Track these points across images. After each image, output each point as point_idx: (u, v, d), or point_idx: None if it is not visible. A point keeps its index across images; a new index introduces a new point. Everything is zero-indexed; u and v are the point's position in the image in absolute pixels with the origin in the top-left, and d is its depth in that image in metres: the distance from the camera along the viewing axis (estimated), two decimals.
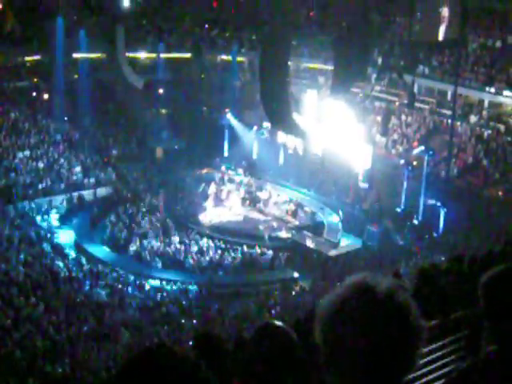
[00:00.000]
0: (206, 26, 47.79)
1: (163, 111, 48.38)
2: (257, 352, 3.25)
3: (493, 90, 37.51)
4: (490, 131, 37.13)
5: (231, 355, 4.12)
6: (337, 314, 2.34)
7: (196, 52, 46.39)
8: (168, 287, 30.19)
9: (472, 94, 38.54)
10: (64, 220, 37.06)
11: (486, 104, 38.21)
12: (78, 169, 40.49)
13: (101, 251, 34.19)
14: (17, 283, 26.89)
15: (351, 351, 2.29)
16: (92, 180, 40.24)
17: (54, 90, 44.94)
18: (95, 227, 36.81)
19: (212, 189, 39.90)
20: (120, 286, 29.26)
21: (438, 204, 34.12)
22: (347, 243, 35.01)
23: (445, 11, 38.41)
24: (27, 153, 40.01)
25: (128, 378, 2.20)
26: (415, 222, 35.32)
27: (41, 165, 39.67)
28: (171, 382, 2.18)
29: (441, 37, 40.97)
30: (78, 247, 33.90)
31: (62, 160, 40.71)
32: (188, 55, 47.57)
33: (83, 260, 31.77)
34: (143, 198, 39.47)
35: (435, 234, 34.32)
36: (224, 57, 48.96)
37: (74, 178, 39.90)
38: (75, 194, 38.60)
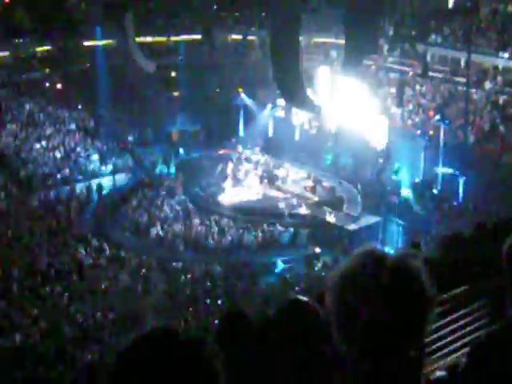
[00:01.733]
0: (216, 6, 47.74)
1: (176, 94, 48.37)
2: (284, 329, 3.27)
3: (506, 55, 37.14)
4: (505, 97, 36.81)
5: (257, 333, 4.15)
6: (347, 281, 2.37)
7: (206, 33, 46.28)
8: (192, 269, 30.31)
9: (485, 60, 38.17)
10: (84, 208, 37.23)
11: (500, 70, 37.85)
12: (95, 156, 40.63)
13: (122, 237, 34.39)
14: (41, 272, 27.13)
15: (361, 320, 2.32)
16: (110, 167, 40.39)
17: (67, 80, 45.05)
18: (115, 213, 36.96)
19: (229, 169, 39.93)
20: (144, 271, 29.40)
21: (457, 173, 33.99)
22: (367, 217, 34.94)
23: None
24: (44, 143, 40.17)
25: (123, 366, 2.22)
26: (434, 191, 35.23)
27: (58, 154, 39.84)
28: (168, 365, 2.19)
29: (451, 4, 40.72)
30: (100, 234, 34.04)
31: (78, 149, 40.87)
32: (198, 37, 47.45)
33: (106, 246, 31.92)
34: (162, 182, 39.58)
35: (455, 203, 34.21)
36: (235, 36, 48.78)
37: (92, 166, 40.05)
38: (94, 182, 38.76)
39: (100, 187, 38.65)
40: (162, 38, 47.05)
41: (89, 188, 38.32)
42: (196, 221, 34.87)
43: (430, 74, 39.22)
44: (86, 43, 45.70)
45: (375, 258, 2.38)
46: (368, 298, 2.31)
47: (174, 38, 46.89)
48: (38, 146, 39.81)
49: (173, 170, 42.16)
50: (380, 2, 38.17)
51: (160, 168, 42.40)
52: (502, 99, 36.80)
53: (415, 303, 2.33)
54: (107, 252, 31.20)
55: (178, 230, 34.03)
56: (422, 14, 40.41)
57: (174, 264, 30.80)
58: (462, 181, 33.86)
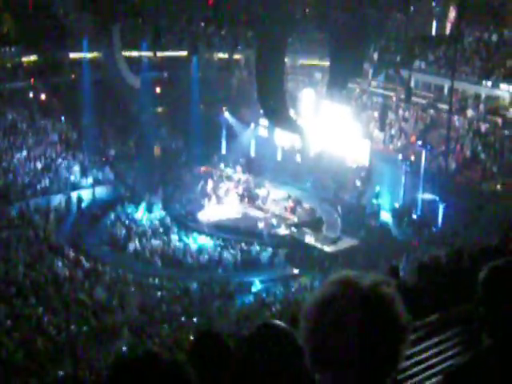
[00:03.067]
0: (203, 23, 47.81)
1: (160, 110, 48.34)
2: (255, 352, 3.25)
3: (489, 83, 37.46)
4: (487, 125, 37.08)
5: (232, 355, 4.13)
6: (321, 309, 2.35)
7: (192, 50, 46.34)
8: (168, 285, 30.19)
9: (469, 87, 38.49)
10: (63, 220, 37.02)
11: (482, 98, 38.14)
12: (76, 168, 40.45)
13: (100, 250, 34.22)
14: (16, 283, 26.91)
15: (335, 346, 2.30)
16: (90, 179, 40.22)
17: (51, 90, 44.94)
18: (94, 226, 36.81)
19: (210, 187, 39.92)
20: (120, 285, 29.25)
21: (437, 199, 34.11)
22: (346, 239, 34.94)
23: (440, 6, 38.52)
24: (25, 153, 39.97)
25: None
26: (414, 216, 35.33)
27: (39, 165, 39.63)
28: None
29: (436, 31, 41.09)
30: (77, 247, 33.83)
31: (59, 160, 40.67)
32: (185, 53, 47.50)
33: (83, 259, 31.73)
34: (142, 197, 39.46)
35: (434, 229, 34.31)
36: (221, 55, 48.87)
37: (72, 177, 39.85)
38: (74, 194, 38.56)
39: (79, 199, 38.45)
40: (148, 53, 47.01)
41: (68, 200, 38.11)
42: (174, 237, 34.79)
43: (414, 99, 39.43)
44: (73, 55, 45.61)
45: (349, 285, 2.36)
46: (342, 327, 2.29)
47: (159, 54, 46.87)
48: (18, 155, 39.58)
49: (153, 185, 42.02)
50: (365, 27, 38.45)
51: (140, 183, 42.23)
52: (483, 127, 37.08)
53: (388, 332, 2.31)
54: (84, 265, 31.02)
55: (156, 245, 33.92)
56: (406, 39, 40.67)
57: (151, 280, 30.69)
58: (441, 207, 33.96)
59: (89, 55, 45.45)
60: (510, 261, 3.18)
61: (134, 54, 47.38)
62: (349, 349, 2.29)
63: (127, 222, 36.35)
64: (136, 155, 45.09)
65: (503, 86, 36.99)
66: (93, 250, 33.87)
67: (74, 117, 44.70)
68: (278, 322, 3.36)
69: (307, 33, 41.98)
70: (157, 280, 30.77)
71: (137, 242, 34.11)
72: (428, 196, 34.85)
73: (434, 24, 39.49)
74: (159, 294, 28.93)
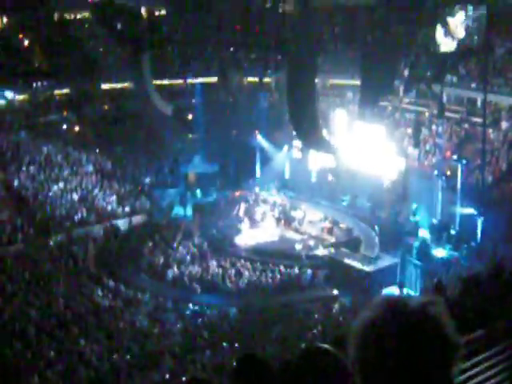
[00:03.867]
0: (232, 48, 48.18)
1: (193, 136, 48.62)
2: (304, 376, 3.20)
3: None
4: None
5: (276, 378, 4.07)
6: (370, 332, 2.30)
7: (222, 75, 46.64)
8: (208, 311, 30.14)
9: (501, 99, 38.21)
10: (101, 249, 37.21)
11: None
12: (112, 198, 40.70)
13: (139, 279, 34.32)
14: (57, 315, 27.06)
15: (387, 369, 2.25)
16: (127, 209, 40.42)
17: (85, 122, 45.47)
18: (132, 255, 36.94)
19: (246, 210, 39.95)
20: (160, 313, 29.28)
21: (475, 213, 33.80)
22: (385, 258, 34.67)
23: (468, 19, 38.36)
24: (61, 185, 40.32)
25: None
26: (452, 232, 35.00)
27: (75, 196, 39.94)
28: None
29: (465, 45, 40.86)
30: (116, 275, 33.95)
31: (96, 190, 40.97)
32: (215, 79, 47.83)
33: (122, 288, 31.84)
34: (179, 224, 39.56)
35: (473, 244, 33.94)
36: (251, 78, 49.10)
37: (109, 207, 40.09)
38: (111, 224, 38.76)
39: (117, 229, 38.65)
40: (179, 81, 47.39)
41: (106, 230, 38.31)
42: (213, 263, 34.78)
43: (447, 114, 39.24)
44: (104, 86, 46.16)
45: (396, 307, 2.31)
46: (391, 349, 2.24)
47: (190, 81, 47.23)
48: (55, 187, 39.94)
49: (189, 211, 42.17)
50: (395, 44, 38.43)
51: (177, 210, 42.42)
52: None
53: (440, 354, 2.26)
54: (123, 294, 31.13)
55: (195, 271, 33.93)
56: (437, 54, 40.53)
57: (191, 306, 30.68)
58: (480, 221, 33.64)
59: (120, 85, 45.95)
60: None
61: (165, 81, 47.79)
62: (400, 374, 2.24)
63: (165, 249, 36.41)
64: (171, 183, 45.32)
65: None
66: (132, 279, 33.97)
67: (107, 147, 45.12)
68: (324, 345, 3.31)
69: (337, 52, 42.03)
70: (197, 306, 30.72)
71: (175, 268, 34.15)
72: (466, 210, 34.54)
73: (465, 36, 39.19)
74: (199, 320, 28.88)
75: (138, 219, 40.24)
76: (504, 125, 37.58)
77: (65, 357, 23.67)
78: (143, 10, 49.55)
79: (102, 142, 45.29)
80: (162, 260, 35.19)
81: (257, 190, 43.17)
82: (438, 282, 13.09)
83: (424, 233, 36.08)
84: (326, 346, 3.26)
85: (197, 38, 46.60)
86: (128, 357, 24.32)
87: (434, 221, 36.10)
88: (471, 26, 38.94)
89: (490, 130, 37.47)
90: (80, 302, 28.95)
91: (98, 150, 44.98)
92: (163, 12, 50.97)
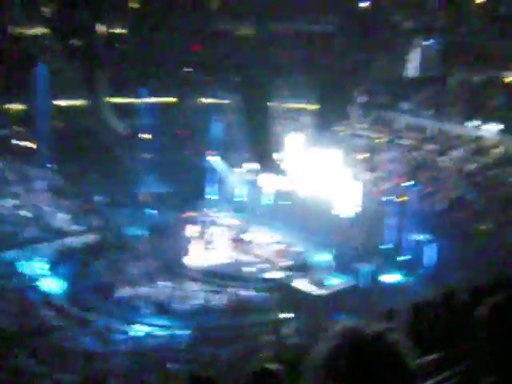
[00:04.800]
0: (189, 69, 48.14)
1: (147, 155, 48.31)
2: None
3: (474, 124, 37.70)
4: (474, 165, 37.22)
5: None
6: (328, 361, 2.26)
7: (179, 96, 46.53)
8: (157, 333, 29.87)
9: (454, 128, 38.69)
10: (50, 268, 36.69)
11: (468, 138, 38.33)
12: (63, 216, 40.21)
13: (89, 298, 33.88)
14: (4, 333, 26.59)
15: None
16: (78, 227, 39.93)
17: (38, 138, 44.92)
18: (82, 274, 36.48)
19: (199, 232, 39.73)
20: (108, 333, 28.92)
21: (427, 239, 34.07)
22: (337, 282, 34.72)
23: (424, 48, 38.91)
24: (12, 202, 39.74)
25: None
26: (404, 257, 35.19)
27: (27, 213, 39.38)
28: None
29: (420, 73, 41.42)
30: (65, 295, 33.49)
31: (46, 208, 40.44)
32: (171, 99, 47.68)
33: (70, 307, 31.40)
34: (130, 244, 39.21)
35: (424, 269, 34.16)
36: (207, 99, 49.07)
37: (60, 225, 39.59)
38: (61, 242, 38.25)
39: (67, 247, 38.15)
40: (135, 99, 47.17)
41: (56, 247, 37.80)
42: (163, 283, 34.50)
43: (400, 141, 39.59)
44: (59, 102, 45.73)
45: (354, 336, 2.27)
46: (351, 378, 2.20)
47: (146, 100, 47.03)
48: (6, 204, 39.36)
49: (142, 231, 41.82)
50: (351, 70, 38.79)
51: (129, 229, 42.03)
52: (471, 167, 37.21)
53: (399, 380, 2.22)
54: (72, 313, 30.72)
55: (145, 292, 33.61)
56: (392, 82, 40.98)
57: (140, 327, 30.38)
58: (431, 247, 33.91)
59: (74, 102, 45.55)
60: (510, 297, 3.08)
61: (121, 100, 47.53)
62: None
63: (115, 268, 36.04)
64: (124, 201, 44.94)
65: (488, 126, 37.24)
66: (80, 298, 33.52)
67: (61, 164, 44.62)
68: (271, 366, 3.26)
69: (294, 77, 42.24)
70: (146, 327, 30.42)
71: (125, 289, 33.80)
72: (417, 237, 34.80)
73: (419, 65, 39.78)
74: (148, 341, 28.62)
75: (89, 238, 39.78)
76: (456, 153, 38.02)
77: (8, 376, 23.23)
78: (100, 27, 49.30)
79: (54, 158, 44.76)
80: (111, 279, 34.82)
81: (210, 211, 42.97)
82: (389, 310, 13.06)
83: (376, 258, 36.24)
84: (273, 367, 3.20)
85: (153, 58, 46.50)
86: (72, 377, 23.95)
87: (387, 246, 36.27)
88: (426, 56, 39.48)
89: (442, 158, 37.88)
90: (27, 320, 28.48)
91: (50, 166, 44.45)
92: (121, 30, 50.77)
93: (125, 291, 33.65)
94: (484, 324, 3.01)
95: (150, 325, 30.84)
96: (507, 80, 38.91)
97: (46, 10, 46.86)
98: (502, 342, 2.93)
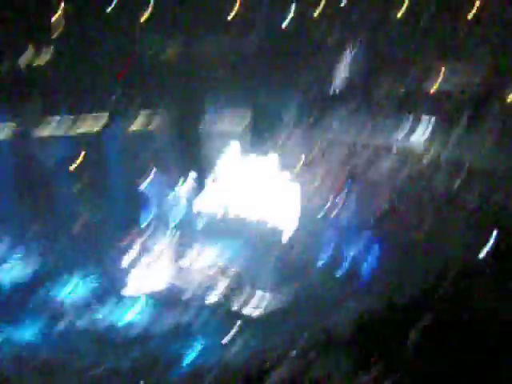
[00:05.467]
0: (116, 95, 47.65)
1: (78, 186, 47.60)
2: None
3: (401, 133, 38.12)
4: (403, 174, 37.55)
5: None
6: None
7: (106, 123, 46.02)
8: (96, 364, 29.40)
9: (382, 139, 39.01)
10: None
11: (396, 148, 38.67)
12: None
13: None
14: None
15: None
16: (9, 259, 39.28)
17: None
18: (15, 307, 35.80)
19: (137, 254, 39.42)
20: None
21: (363, 251, 34.29)
22: (274, 301, 34.71)
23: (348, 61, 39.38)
24: None
25: None
26: (341, 271, 35.31)
27: None
28: None
29: (346, 86, 41.79)
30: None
31: None
32: (98, 127, 47.08)
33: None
34: (64, 276, 38.62)
35: (362, 282, 34.33)
36: (136, 125, 48.64)
37: None
38: None
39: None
40: (61, 130, 46.44)
41: None
42: (103, 311, 34.10)
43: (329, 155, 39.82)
44: None
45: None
46: None
47: (73, 130, 46.35)
48: None
49: (76, 262, 41.19)
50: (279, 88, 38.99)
51: (62, 261, 41.36)
52: (400, 177, 37.55)
53: None
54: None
55: (83, 323, 33.13)
56: (318, 97, 41.20)
57: (78, 360, 29.87)
58: (368, 259, 34.13)
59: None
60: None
61: (46, 131, 46.70)
62: None
63: (51, 301, 35.45)
64: (56, 233, 44.23)
65: (415, 135, 37.70)
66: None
67: None
68: None
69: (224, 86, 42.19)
70: (84, 360, 29.91)
71: (63, 320, 33.27)
72: (353, 250, 35.00)
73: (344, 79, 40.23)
74: (88, 374, 28.15)
75: (21, 269, 39.13)
76: (385, 164, 38.30)
77: None
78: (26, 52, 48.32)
79: None
80: (48, 312, 34.27)
81: (143, 237, 42.60)
82: (324, 328, 13.17)
83: (314, 271, 36.22)
84: None
85: (79, 84, 45.85)
86: None
87: (323, 260, 36.32)
88: (351, 69, 39.81)
89: (372, 170, 38.17)
90: None
91: None
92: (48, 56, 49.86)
93: (62, 323, 33.13)
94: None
95: (88, 356, 30.32)
96: (430, 90, 39.46)
97: None
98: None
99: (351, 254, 35.07)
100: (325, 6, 39.89)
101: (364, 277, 34.38)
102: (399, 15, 39.66)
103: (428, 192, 36.17)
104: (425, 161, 37.30)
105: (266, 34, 40.00)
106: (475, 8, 36.55)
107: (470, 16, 37.03)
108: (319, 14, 40.21)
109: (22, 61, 44.58)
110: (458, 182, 35.52)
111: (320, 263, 36.39)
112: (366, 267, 34.26)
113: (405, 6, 38.24)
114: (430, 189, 36.39)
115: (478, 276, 27.15)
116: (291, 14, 40.03)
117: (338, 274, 35.27)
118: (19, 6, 42.00)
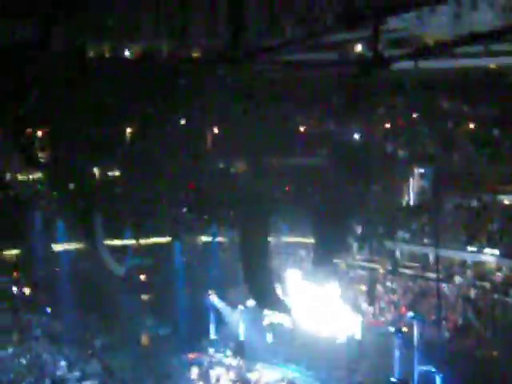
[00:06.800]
0: (184, 208, 48.31)
1: (146, 297, 47.85)
2: None
3: (474, 248, 37.66)
4: (476, 290, 36.92)
5: None
6: None
7: (174, 236, 46.49)
8: None
9: (454, 254, 38.60)
10: None
11: (469, 263, 38.20)
12: (62, 363, 39.53)
13: None
14: None
15: None
16: (77, 373, 39.17)
17: (35, 283, 44.71)
18: None
19: (201, 373, 39.03)
20: None
21: (433, 370, 33.43)
22: None
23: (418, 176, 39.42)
24: (10, 350, 39.24)
25: None
26: None
27: (24, 361, 38.78)
28: None
29: (416, 201, 41.72)
30: None
31: (44, 355, 39.83)
32: (166, 239, 47.58)
33: None
34: None
35: None
36: (204, 237, 49.04)
37: (59, 372, 38.85)
38: None
39: None
40: (131, 241, 47.08)
41: None
42: None
43: (400, 270, 39.45)
44: (56, 247, 45.63)
45: None
46: None
47: (142, 241, 46.95)
48: (3, 353, 38.84)
49: (142, 375, 40.94)
50: (346, 201, 38.94)
51: (129, 373, 41.17)
52: (472, 293, 36.90)
53: None
54: None
55: None
56: (388, 210, 41.19)
57: None
58: (438, 378, 33.24)
59: (70, 246, 45.43)
60: None
61: (117, 242, 47.38)
62: None
63: None
64: (123, 345, 44.21)
65: (487, 250, 37.15)
66: None
67: (58, 310, 44.21)
68: None
69: (289, 210, 42.44)
70: None
71: None
72: (424, 367, 34.16)
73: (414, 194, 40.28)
74: None
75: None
76: (457, 279, 37.78)
77: None
78: (96, 170, 49.70)
79: (52, 304, 44.38)
80: None
81: (211, 351, 42.25)
82: None
83: None
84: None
85: (148, 198, 46.66)
86: None
87: (393, 379, 35.53)
88: (421, 184, 39.92)
89: (445, 285, 37.63)
90: None
91: (48, 313, 44.04)
92: (116, 173, 51.13)
93: None
94: None
95: None
96: (503, 204, 39.19)
97: (42, 156, 47.35)
98: None
99: (422, 372, 34.21)
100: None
101: None
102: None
103: (500, 308, 35.46)
104: (498, 275, 36.70)
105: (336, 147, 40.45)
106: None
107: None
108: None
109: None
110: None
111: (391, 381, 35.57)
112: None
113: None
114: (501, 304, 35.69)
115: None
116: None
117: None
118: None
